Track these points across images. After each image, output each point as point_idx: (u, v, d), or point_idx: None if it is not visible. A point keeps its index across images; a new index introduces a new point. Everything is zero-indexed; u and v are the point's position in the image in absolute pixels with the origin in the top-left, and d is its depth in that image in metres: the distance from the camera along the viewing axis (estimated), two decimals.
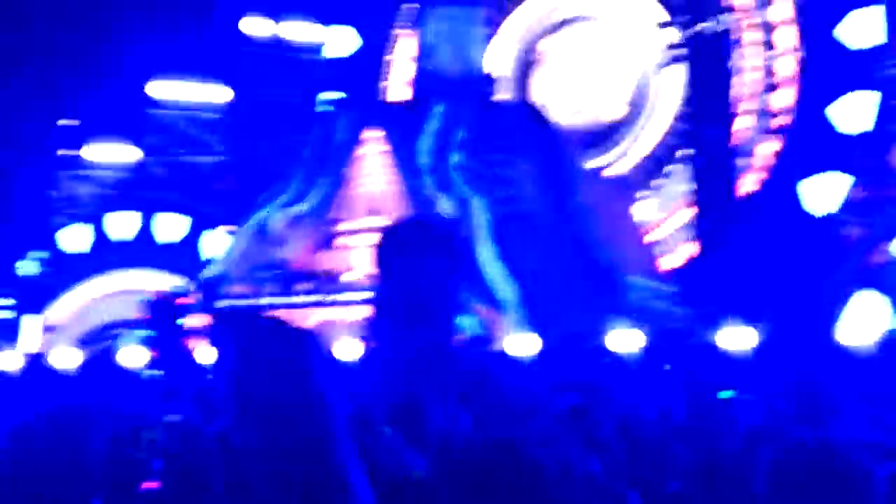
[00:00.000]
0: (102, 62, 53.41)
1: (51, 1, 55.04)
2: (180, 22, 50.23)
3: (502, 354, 22.12)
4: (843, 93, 37.27)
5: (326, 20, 50.68)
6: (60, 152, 51.58)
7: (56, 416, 4.88)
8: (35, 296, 46.73)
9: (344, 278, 36.20)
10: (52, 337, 45.02)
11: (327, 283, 36.47)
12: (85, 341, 44.27)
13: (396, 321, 3.18)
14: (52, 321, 46.10)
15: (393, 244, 3.23)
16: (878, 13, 37.28)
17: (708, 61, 35.59)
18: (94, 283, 47.08)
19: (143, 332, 33.16)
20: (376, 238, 3.28)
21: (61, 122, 51.41)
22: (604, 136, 47.01)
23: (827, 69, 37.99)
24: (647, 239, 41.37)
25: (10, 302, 46.94)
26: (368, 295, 33.16)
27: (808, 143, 37.75)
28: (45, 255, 48.08)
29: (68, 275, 47.32)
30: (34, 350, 41.50)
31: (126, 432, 6.38)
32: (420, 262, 3.16)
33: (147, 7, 54.94)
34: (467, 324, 29.81)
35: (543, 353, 23.03)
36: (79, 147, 51.77)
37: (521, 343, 23.91)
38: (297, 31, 52.80)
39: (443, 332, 3.26)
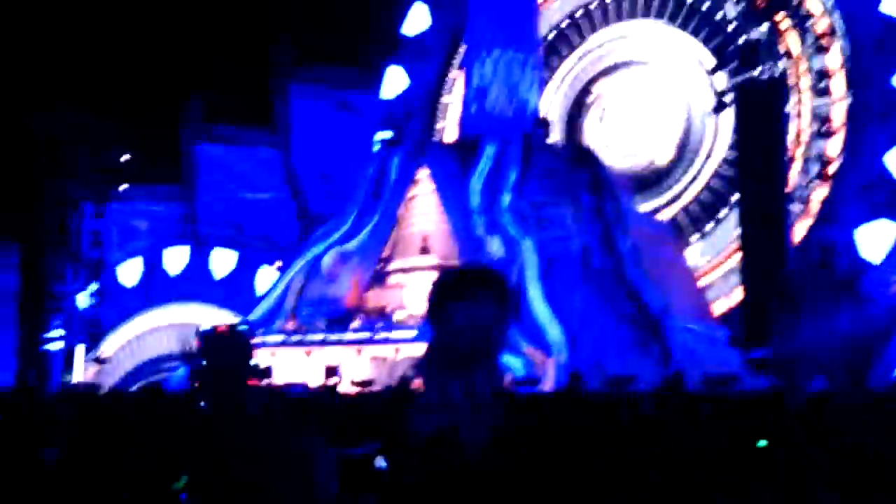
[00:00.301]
0: (162, 101, 54.40)
1: (112, 43, 56.22)
2: (238, 63, 51.11)
3: (548, 395, 22.17)
4: None
5: (381, 62, 51.24)
6: (122, 186, 52.41)
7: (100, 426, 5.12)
8: (90, 328, 47.39)
9: (395, 316, 36.39)
10: (106, 368, 45.62)
11: (378, 320, 36.68)
12: (137, 373, 44.83)
13: (445, 369, 3.34)
14: (106, 353, 46.69)
15: (446, 292, 3.39)
16: None
17: (760, 107, 35.60)
18: (148, 316, 47.63)
19: (192, 365, 33.46)
20: (429, 286, 3.45)
21: (121, 157, 52.28)
22: (655, 180, 47.07)
23: (881, 116, 37.84)
24: (697, 283, 41.25)
25: (60, 332, 47.60)
26: (418, 333, 33.39)
27: (862, 190, 37.53)
28: (99, 288, 48.78)
29: (122, 307, 47.92)
30: (88, 380, 42.10)
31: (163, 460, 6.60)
32: (473, 310, 3.32)
33: (206, 50, 55.96)
34: (514, 364, 29.88)
35: (590, 394, 23.05)
36: (137, 181, 52.59)
37: (568, 385, 23.92)
38: (351, 72, 53.34)
39: (489, 380, 3.41)
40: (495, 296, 3.33)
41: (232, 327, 6.49)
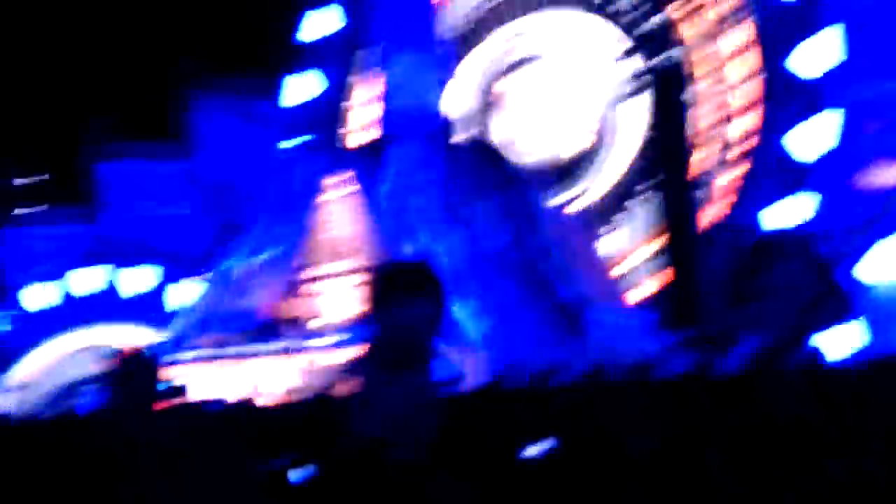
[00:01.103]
0: (63, 118, 53.34)
1: (9, 59, 55.01)
2: (140, 76, 50.26)
3: (473, 396, 22.04)
4: (801, 119, 37.69)
5: (285, 67, 50.80)
6: (21, 210, 51.25)
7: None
8: (2, 355, 46.23)
9: (311, 325, 36.15)
10: (21, 395, 44.51)
11: (294, 330, 36.38)
12: (53, 399, 43.80)
13: (385, 365, 3.21)
14: (20, 380, 45.60)
15: (390, 287, 3.27)
16: (829, 38, 37.84)
17: (663, 95, 35.98)
18: (62, 340, 46.62)
19: (107, 388, 32.74)
20: (368, 280, 3.32)
21: (21, 179, 51.12)
22: (566, 173, 47.32)
23: (783, 96, 38.45)
24: (614, 272, 41.57)
25: None
26: (335, 341, 33.11)
27: (769, 171, 38.13)
28: (9, 314, 47.61)
29: (35, 333, 46.84)
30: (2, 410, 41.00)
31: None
32: (416, 306, 3.21)
33: (107, 64, 54.99)
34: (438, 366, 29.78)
35: (514, 391, 23.02)
36: (40, 203, 51.46)
37: (492, 383, 23.90)
38: (257, 80, 52.79)
39: (427, 377, 3.32)
40: (436, 292, 3.24)
41: (137, 351, 6.26)
